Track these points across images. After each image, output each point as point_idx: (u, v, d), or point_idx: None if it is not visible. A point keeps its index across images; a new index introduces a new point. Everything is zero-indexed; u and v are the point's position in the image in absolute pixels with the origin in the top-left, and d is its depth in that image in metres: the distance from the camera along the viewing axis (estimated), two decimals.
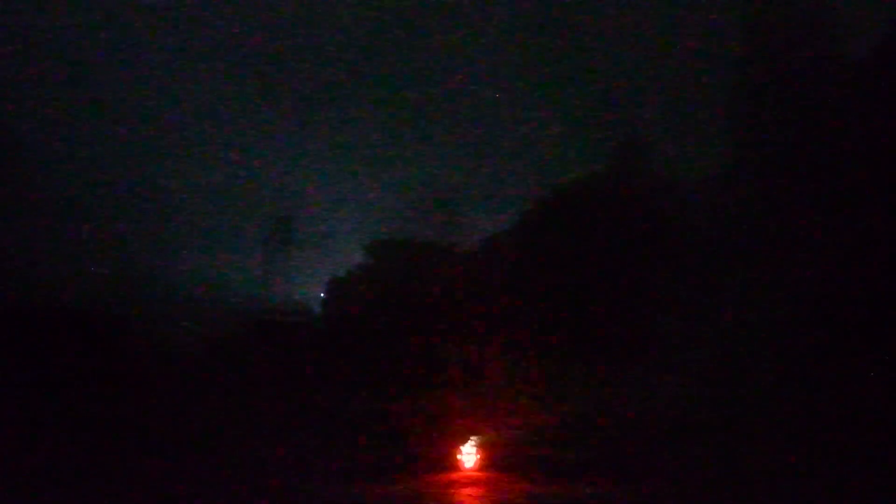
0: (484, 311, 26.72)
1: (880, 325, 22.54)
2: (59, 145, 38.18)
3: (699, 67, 32.44)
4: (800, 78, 27.88)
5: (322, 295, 33.00)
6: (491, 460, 21.48)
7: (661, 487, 18.84)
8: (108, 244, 36.73)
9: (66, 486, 18.95)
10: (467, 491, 19.95)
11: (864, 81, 26.18)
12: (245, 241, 39.13)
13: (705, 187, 28.99)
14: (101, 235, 36.84)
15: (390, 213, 37.92)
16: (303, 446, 21.92)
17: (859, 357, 22.25)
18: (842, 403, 20.95)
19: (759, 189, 27.03)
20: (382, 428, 22.60)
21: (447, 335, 25.91)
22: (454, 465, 21.60)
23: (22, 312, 26.71)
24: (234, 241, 38.86)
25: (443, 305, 27.01)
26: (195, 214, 38.56)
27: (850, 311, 23.29)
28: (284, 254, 39.44)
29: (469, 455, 21.72)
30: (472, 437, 21.89)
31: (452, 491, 19.86)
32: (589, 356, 24.26)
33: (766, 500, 17.88)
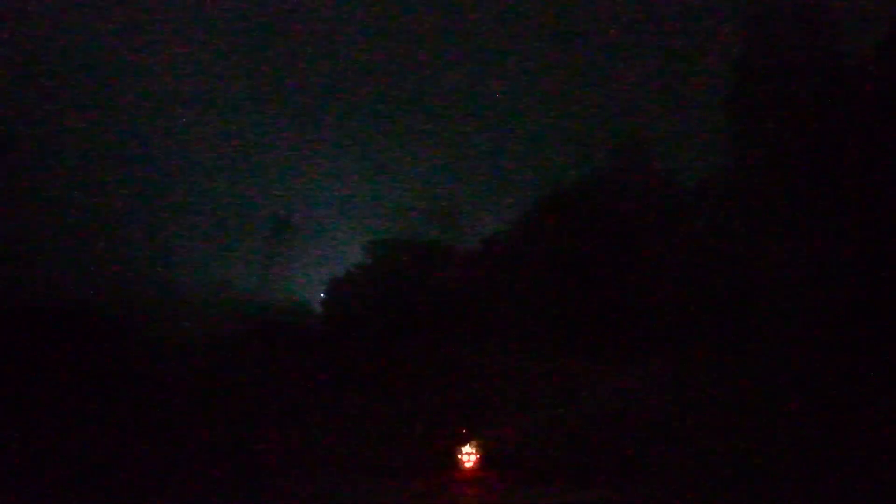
0: (484, 311, 26.69)
1: (881, 325, 22.53)
2: (59, 144, 38.17)
3: (699, 67, 32.43)
4: (800, 78, 27.85)
5: (322, 295, 32.99)
6: (491, 460, 21.47)
7: (660, 487, 18.84)
8: (108, 244, 36.72)
9: (67, 485, 18.95)
10: (467, 491, 19.95)
11: (864, 81, 26.16)
12: (245, 241, 39.15)
13: (705, 187, 28.97)
14: (101, 235, 36.83)
15: (390, 213, 37.93)
16: (302, 446, 21.91)
17: (860, 357, 22.24)
18: (842, 403, 20.94)
19: (759, 189, 27.01)
20: (382, 428, 22.59)
21: (447, 335, 25.89)
22: (454, 465, 21.59)
23: (22, 312, 26.69)
24: (234, 241, 38.87)
25: (443, 305, 27.00)
26: (195, 214, 38.57)
27: (851, 311, 23.27)
28: (284, 254, 39.43)
29: (469, 455, 21.71)
30: (471, 437, 21.89)
31: (452, 491, 19.86)
32: (589, 356, 24.24)
33: (765, 500, 17.88)
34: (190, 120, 39.16)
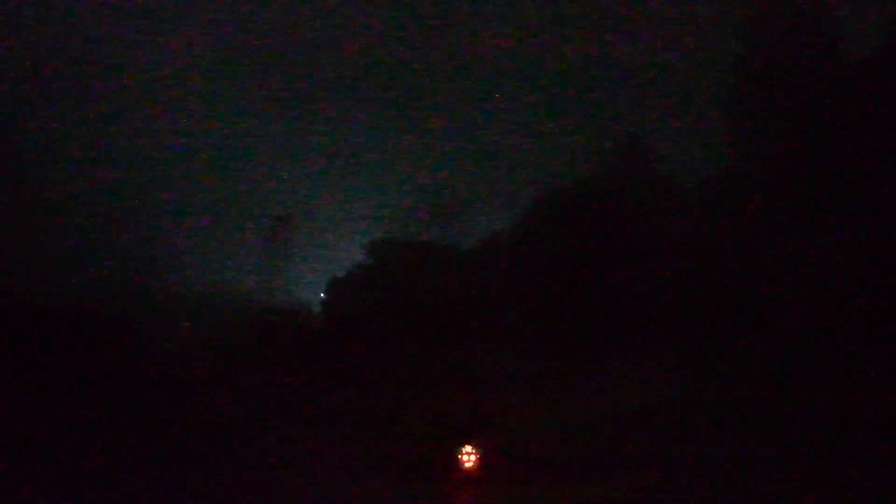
0: (484, 311, 26.69)
1: (880, 323, 22.53)
2: (60, 145, 38.18)
3: (699, 67, 32.42)
4: (800, 78, 27.87)
5: (322, 295, 33.00)
6: (491, 460, 21.48)
7: (660, 486, 18.84)
8: (108, 244, 36.73)
9: (67, 485, 18.95)
10: (467, 491, 19.94)
11: (864, 81, 26.17)
12: (245, 241, 39.16)
13: (705, 187, 28.99)
14: (102, 235, 36.84)
15: (390, 213, 37.94)
16: (303, 446, 21.92)
17: (860, 356, 22.25)
18: (842, 403, 20.95)
19: (759, 189, 27.03)
20: (382, 428, 22.60)
21: (447, 335, 25.89)
22: (454, 465, 21.59)
23: (22, 312, 26.70)
24: (234, 241, 38.88)
25: (443, 305, 27.00)
26: (195, 214, 38.58)
27: (850, 309, 23.28)
28: (284, 254, 39.46)
29: (469, 455, 21.72)
30: (471, 438, 21.89)
31: (452, 491, 19.86)
32: (589, 356, 24.24)
33: (764, 500, 17.88)
34: (190, 121, 39.17)
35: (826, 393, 21.43)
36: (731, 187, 28.02)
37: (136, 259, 37.06)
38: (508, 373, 24.28)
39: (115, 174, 38.54)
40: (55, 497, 18.37)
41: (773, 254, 25.17)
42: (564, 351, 24.81)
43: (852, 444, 19.53)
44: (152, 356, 26.52)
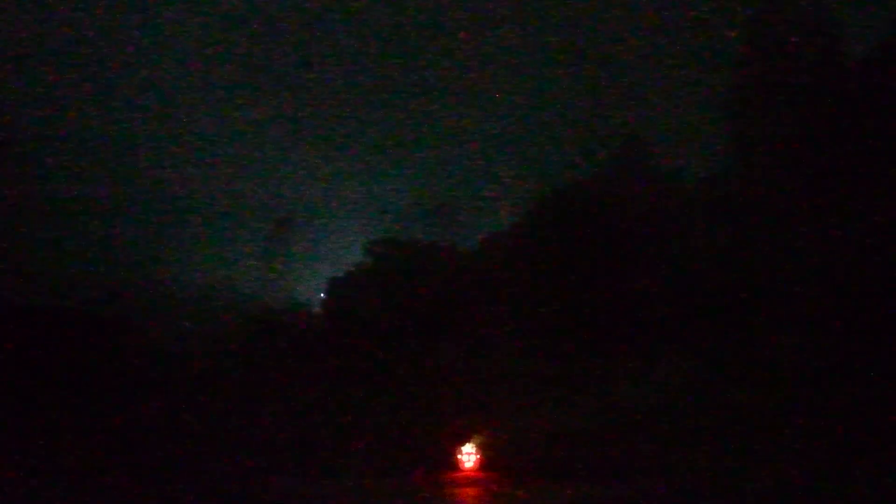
0: (484, 311, 26.69)
1: (880, 322, 22.51)
2: (61, 147, 38.22)
3: (699, 67, 32.46)
4: (800, 78, 27.86)
5: (322, 295, 33.04)
6: (491, 460, 21.48)
7: (660, 487, 18.86)
8: (108, 244, 36.78)
9: (67, 484, 18.97)
10: (467, 491, 19.96)
11: (864, 81, 26.16)
12: (246, 242, 39.22)
13: (705, 187, 28.98)
14: (102, 235, 36.89)
15: (390, 213, 37.99)
16: (303, 445, 21.94)
17: (859, 355, 22.23)
18: (841, 403, 20.94)
19: (760, 188, 27.02)
20: (383, 428, 22.61)
21: (447, 335, 25.88)
22: (454, 465, 21.61)
23: (22, 312, 26.72)
24: (235, 242, 38.93)
25: (442, 305, 26.99)
26: (195, 215, 38.62)
27: (849, 308, 23.27)
28: (284, 254, 39.55)
29: (469, 455, 21.73)
30: (472, 437, 21.90)
31: (452, 491, 19.88)
32: (588, 356, 24.23)
33: (764, 500, 17.89)
34: (190, 122, 39.22)
35: (828, 394, 21.41)
36: (731, 187, 28.00)
37: (136, 259, 37.13)
38: (508, 373, 24.27)
39: (116, 175, 38.58)
40: (55, 497, 18.38)
41: (773, 253, 25.15)
42: (564, 351, 24.79)
43: (853, 445, 19.52)
44: (152, 356, 26.53)
